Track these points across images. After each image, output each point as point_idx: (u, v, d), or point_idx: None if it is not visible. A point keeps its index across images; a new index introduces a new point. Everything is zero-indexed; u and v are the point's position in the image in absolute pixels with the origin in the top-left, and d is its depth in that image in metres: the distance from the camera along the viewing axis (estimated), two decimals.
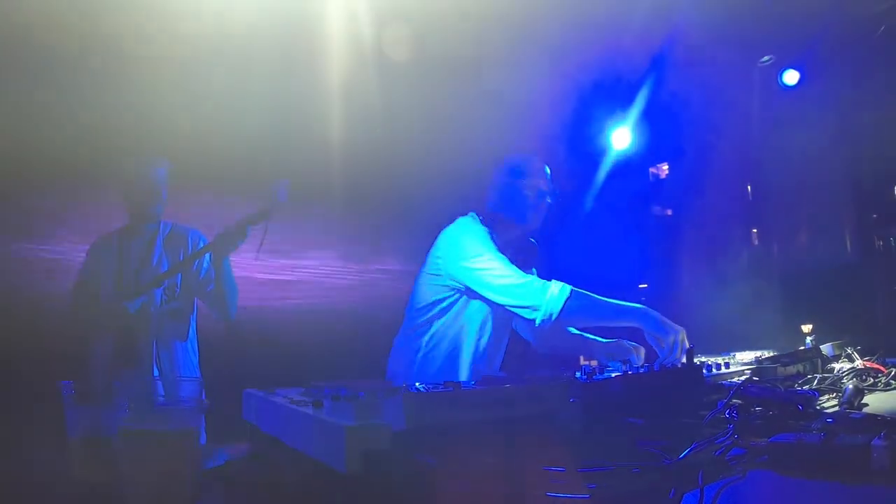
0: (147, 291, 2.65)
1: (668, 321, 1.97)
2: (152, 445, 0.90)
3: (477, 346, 2.32)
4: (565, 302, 2.05)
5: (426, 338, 2.34)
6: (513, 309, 2.16)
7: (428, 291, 2.35)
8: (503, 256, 2.23)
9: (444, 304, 2.32)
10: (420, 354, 2.33)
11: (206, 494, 0.98)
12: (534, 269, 2.48)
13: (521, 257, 2.40)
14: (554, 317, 2.05)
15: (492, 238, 2.31)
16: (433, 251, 2.37)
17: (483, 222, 2.38)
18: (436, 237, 2.41)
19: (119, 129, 3.66)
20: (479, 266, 2.22)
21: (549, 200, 2.45)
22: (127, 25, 3.63)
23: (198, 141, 3.94)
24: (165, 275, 2.68)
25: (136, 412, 0.94)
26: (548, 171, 2.48)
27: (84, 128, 3.66)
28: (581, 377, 1.20)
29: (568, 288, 2.07)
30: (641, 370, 1.26)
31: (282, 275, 4.83)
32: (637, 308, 2.05)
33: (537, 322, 2.07)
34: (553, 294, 2.06)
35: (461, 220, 2.40)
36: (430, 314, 2.34)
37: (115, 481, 1.05)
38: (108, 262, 2.83)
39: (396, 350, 2.45)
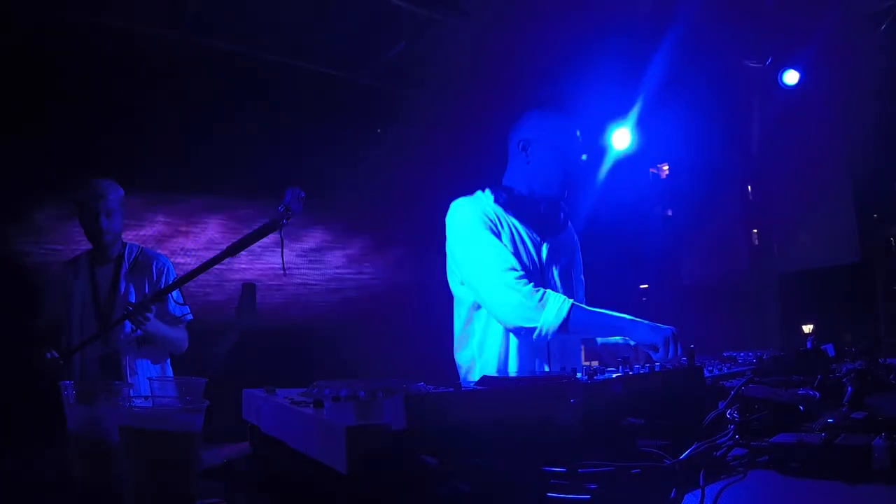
0: (118, 325, 2.61)
1: (656, 325, 1.92)
2: (153, 445, 0.89)
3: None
4: (563, 321, 1.92)
5: (475, 340, 2.16)
6: (509, 318, 2.01)
7: (454, 288, 2.20)
8: (502, 250, 2.03)
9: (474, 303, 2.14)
10: (477, 357, 2.15)
11: (206, 495, 0.97)
12: (546, 246, 2.20)
13: (540, 227, 2.20)
14: (550, 335, 1.95)
15: (495, 222, 2.10)
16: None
17: (497, 200, 2.16)
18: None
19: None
20: (473, 266, 2.06)
21: (568, 163, 2.18)
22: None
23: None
24: (144, 306, 2.53)
25: (137, 413, 0.94)
26: (578, 134, 2.21)
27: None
28: (582, 377, 1.19)
29: (567, 305, 1.94)
30: (643, 370, 1.26)
31: (282, 274, 4.83)
32: (625, 320, 1.97)
33: (533, 337, 1.97)
34: (551, 312, 1.93)
35: (459, 202, 2.17)
36: (469, 315, 2.17)
37: (116, 480, 1.05)
38: (79, 288, 2.81)
39: (457, 353, 2.25)
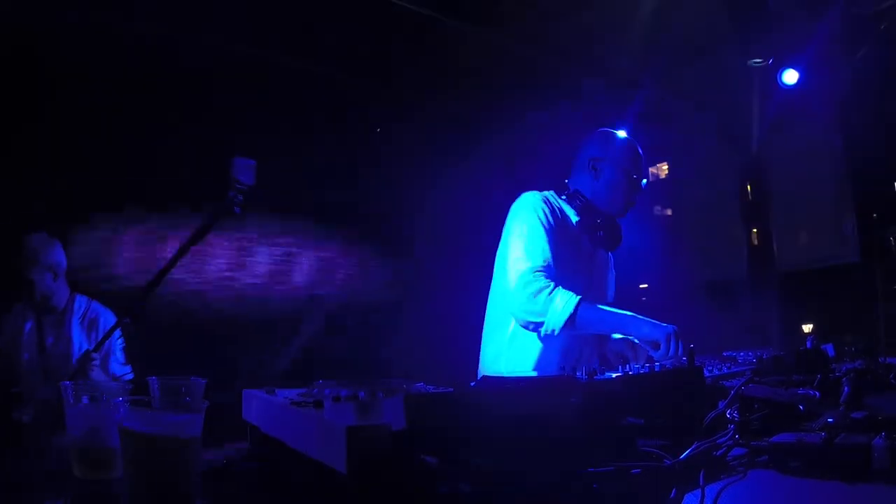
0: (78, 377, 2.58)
1: (658, 323, 1.94)
2: (153, 446, 0.90)
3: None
4: (570, 316, 1.96)
5: (509, 329, 2.19)
6: (518, 312, 2.07)
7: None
8: (542, 245, 2.08)
9: None
10: (505, 346, 2.18)
11: (206, 495, 0.97)
12: (605, 255, 2.40)
13: (598, 236, 2.30)
14: (557, 330, 1.99)
15: (559, 219, 2.18)
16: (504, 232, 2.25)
17: (570, 202, 2.29)
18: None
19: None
20: (505, 256, 2.13)
21: (633, 186, 2.35)
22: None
23: None
24: (85, 363, 2.50)
25: (137, 414, 0.94)
26: (639, 151, 2.40)
27: None
28: (582, 377, 1.19)
29: (575, 301, 1.97)
30: (643, 370, 1.26)
31: (281, 273, 4.83)
32: (628, 316, 2.00)
33: (541, 332, 2.02)
34: (558, 307, 1.97)
35: (527, 194, 2.26)
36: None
37: (115, 481, 1.05)
38: (26, 338, 2.81)
39: (485, 342, 2.30)
